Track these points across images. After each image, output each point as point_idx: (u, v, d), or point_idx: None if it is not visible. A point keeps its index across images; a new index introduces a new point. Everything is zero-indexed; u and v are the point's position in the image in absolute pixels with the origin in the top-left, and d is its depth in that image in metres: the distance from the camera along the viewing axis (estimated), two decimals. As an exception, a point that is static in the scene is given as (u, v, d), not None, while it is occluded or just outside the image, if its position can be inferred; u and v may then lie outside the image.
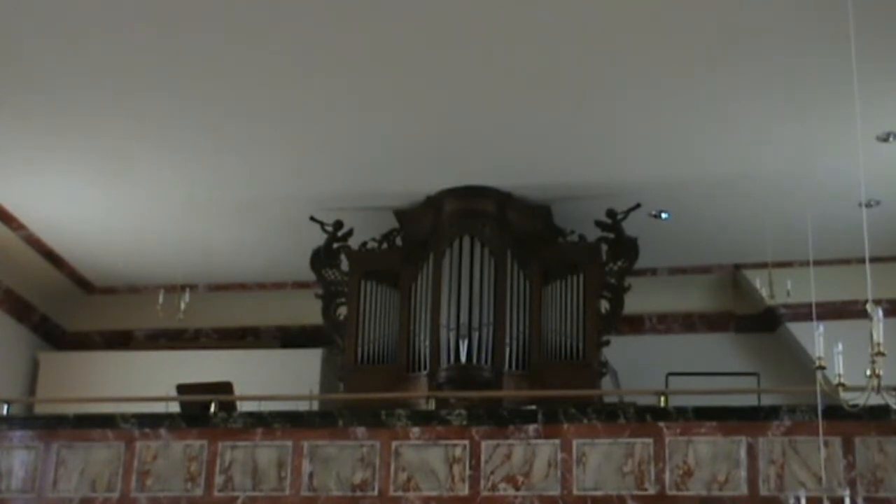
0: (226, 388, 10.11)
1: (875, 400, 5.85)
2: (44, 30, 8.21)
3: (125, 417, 9.58)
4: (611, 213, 10.80)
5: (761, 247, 11.19)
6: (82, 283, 13.10)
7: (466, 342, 10.25)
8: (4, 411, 9.94)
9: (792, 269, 11.10)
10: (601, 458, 8.78)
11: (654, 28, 8.04)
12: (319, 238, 11.21)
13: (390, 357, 10.76)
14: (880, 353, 5.67)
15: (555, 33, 8.14)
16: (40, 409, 11.86)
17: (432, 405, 9.46)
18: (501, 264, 10.69)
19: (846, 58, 7.06)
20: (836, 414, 7.52)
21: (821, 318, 7.46)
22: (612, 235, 10.85)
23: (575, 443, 8.84)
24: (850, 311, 10.42)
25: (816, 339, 6.11)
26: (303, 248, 11.27)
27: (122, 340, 13.25)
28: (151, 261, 12.31)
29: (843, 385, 5.90)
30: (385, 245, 11.25)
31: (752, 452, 8.60)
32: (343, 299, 11.13)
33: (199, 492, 9.22)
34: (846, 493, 7.42)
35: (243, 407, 9.97)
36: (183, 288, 11.48)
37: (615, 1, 7.77)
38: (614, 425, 8.86)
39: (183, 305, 11.24)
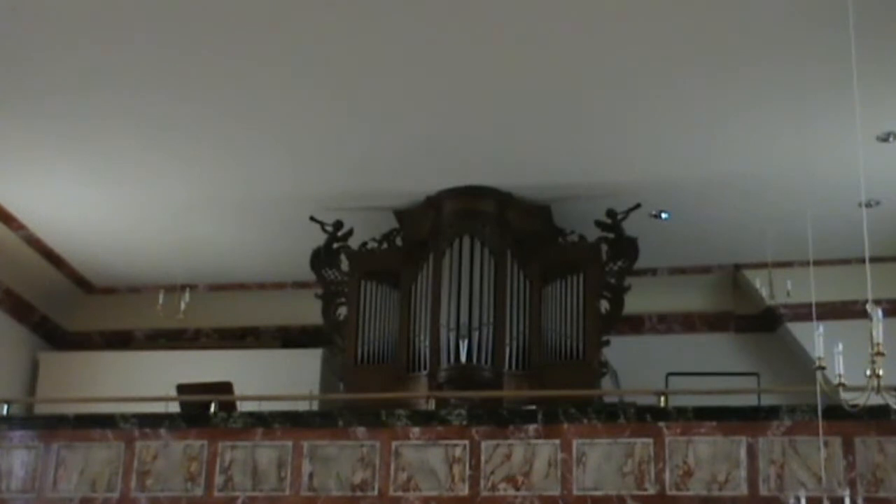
0: (226, 388, 10.10)
1: (875, 400, 5.86)
2: (44, 31, 8.22)
3: (125, 417, 9.58)
4: (611, 213, 10.79)
5: (761, 247, 11.19)
6: (82, 283, 13.10)
7: (466, 342, 10.25)
8: (4, 411, 9.94)
9: (792, 269, 11.10)
10: (601, 458, 8.78)
11: (654, 29, 8.04)
12: (319, 238, 11.21)
13: (390, 357, 10.76)
14: (880, 353, 5.68)
15: (555, 34, 8.14)
16: (40, 409, 11.86)
17: (432, 405, 9.45)
18: (501, 264, 10.69)
19: (846, 58, 7.07)
20: (836, 414, 7.50)
21: (821, 318, 7.46)
22: (612, 235, 10.85)
23: (575, 443, 8.84)
24: (850, 311, 10.43)
25: (816, 339, 6.12)
26: (303, 248, 11.27)
27: (122, 340, 13.25)
28: (151, 261, 12.31)
29: (843, 385, 5.90)
30: (385, 245, 11.25)
31: (752, 452, 8.60)
32: (343, 299, 11.13)
33: (199, 492, 9.22)
34: (846, 493, 7.43)
35: (243, 407, 9.96)
36: (183, 288, 11.50)
37: (615, 2, 7.78)
38: (614, 425, 8.86)
39: (183, 305, 11.27)
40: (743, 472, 8.57)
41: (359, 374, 10.79)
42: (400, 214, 11.18)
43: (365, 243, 11.27)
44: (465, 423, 9.04)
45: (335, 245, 11.24)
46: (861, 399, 5.81)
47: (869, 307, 5.77)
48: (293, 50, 8.45)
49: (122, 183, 10.67)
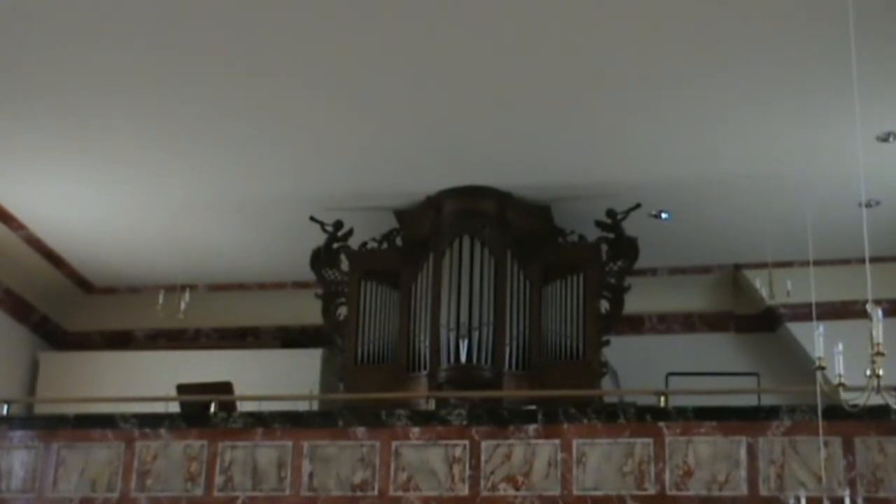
0: (226, 388, 10.10)
1: (875, 400, 5.85)
2: (44, 31, 8.21)
3: (125, 417, 9.58)
4: (611, 213, 10.79)
5: (761, 247, 11.20)
6: (82, 283, 13.09)
7: (466, 342, 10.25)
8: (4, 411, 9.94)
9: (792, 269, 11.12)
10: (601, 458, 8.78)
11: (654, 29, 8.04)
12: (319, 238, 11.21)
13: (390, 357, 10.76)
14: (880, 353, 5.67)
15: (555, 35, 8.14)
16: (40, 409, 11.86)
17: (432, 405, 9.46)
18: (501, 264, 10.69)
19: (846, 58, 7.06)
20: (836, 414, 7.50)
21: (821, 318, 7.47)
22: (612, 235, 10.85)
23: (575, 443, 8.84)
24: (850, 311, 10.43)
25: (816, 339, 6.12)
26: (303, 248, 11.27)
27: (122, 340, 13.25)
28: (151, 261, 12.31)
29: (843, 385, 5.90)
30: (385, 245, 11.25)
31: (752, 452, 8.60)
32: (343, 299, 11.13)
33: (199, 492, 9.23)
34: (846, 493, 7.43)
35: (243, 407, 9.97)
36: (183, 288, 11.50)
37: (615, 3, 7.78)
38: (614, 425, 8.86)
39: (183, 305, 11.26)
40: (743, 472, 8.57)
41: (359, 374, 10.78)
42: (400, 214, 11.18)
43: (365, 243, 11.27)
44: (465, 423, 9.05)
45: (335, 245, 11.24)
46: (861, 399, 5.81)
47: (869, 307, 5.76)
48: (293, 50, 8.44)
49: (122, 183, 10.67)
